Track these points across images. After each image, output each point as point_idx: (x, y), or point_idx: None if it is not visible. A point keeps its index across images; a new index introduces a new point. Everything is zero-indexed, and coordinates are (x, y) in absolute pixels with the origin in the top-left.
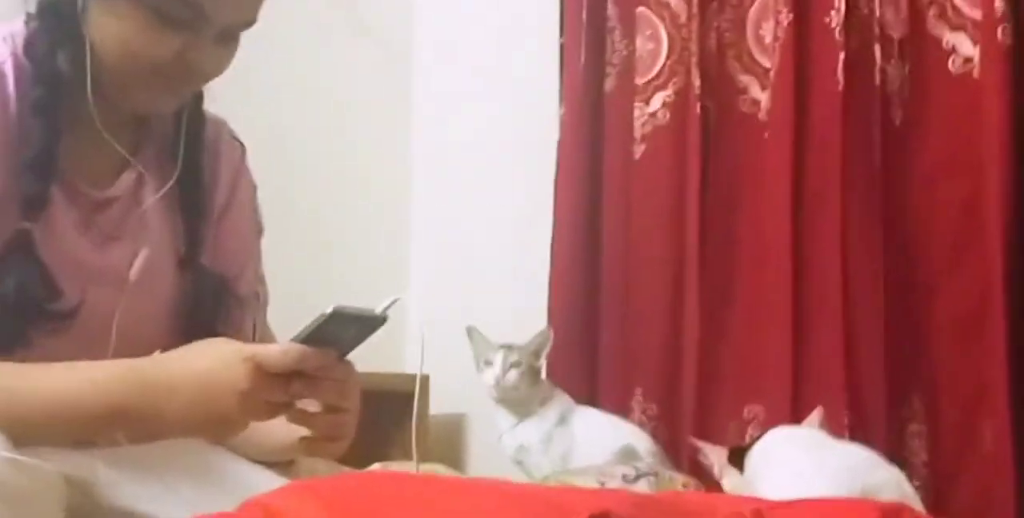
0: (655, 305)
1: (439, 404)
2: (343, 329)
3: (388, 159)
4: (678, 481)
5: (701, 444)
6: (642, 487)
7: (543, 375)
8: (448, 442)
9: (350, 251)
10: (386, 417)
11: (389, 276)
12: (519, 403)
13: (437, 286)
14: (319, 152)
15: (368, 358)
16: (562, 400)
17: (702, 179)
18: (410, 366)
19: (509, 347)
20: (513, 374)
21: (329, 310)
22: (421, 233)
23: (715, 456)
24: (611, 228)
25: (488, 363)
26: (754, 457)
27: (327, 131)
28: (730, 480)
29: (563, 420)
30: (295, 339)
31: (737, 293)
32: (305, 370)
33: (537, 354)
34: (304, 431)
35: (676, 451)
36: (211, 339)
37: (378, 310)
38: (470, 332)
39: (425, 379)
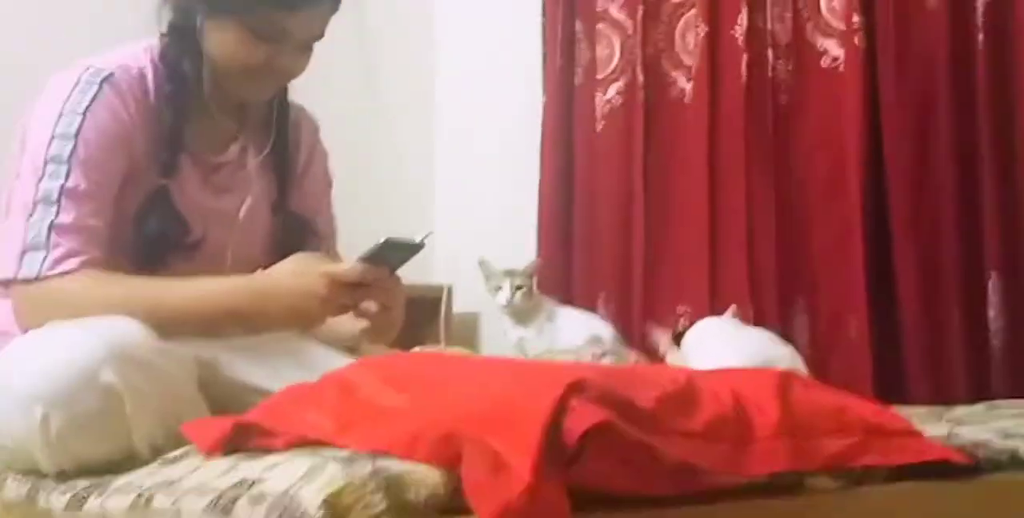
0: (613, 232)
1: (460, 305)
2: (393, 253)
3: (414, 127)
4: (632, 357)
5: (654, 329)
6: (607, 362)
7: (534, 288)
8: (467, 333)
9: (385, 197)
10: (421, 315)
11: (418, 214)
12: (522, 312)
13: (457, 220)
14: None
15: (408, 273)
16: (549, 304)
17: (645, 146)
18: (438, 277)
19: (512, 273)
20: (518, 295)
21: (383, 239)
22: (444, 182)
23: (662, 338)
24: (582, 179)
25: (498, 288)
26: (689, 339)
27: (355, 99)
28: (672, 356)
29: (550, 317)
30: (358, 259)
31: (671, 223)
32: (365, 281)
33: (532, 276)
34: (365, 324)
35: (630, 337)
36: (298, 256)
37: (418, 239)
38: (481, 263)
39: (450, 288)
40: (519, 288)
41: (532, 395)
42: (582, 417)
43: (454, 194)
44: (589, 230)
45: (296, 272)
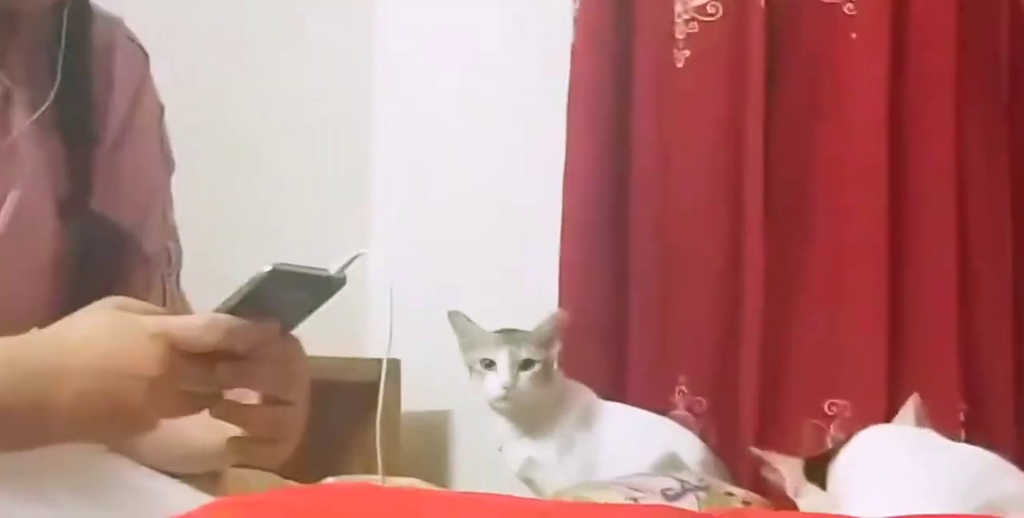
0: (702, 270)
1: (414, 399)
2: (287, 294)
3: (345, 74)
4: (737, 498)
5: (767, 456)
6: (689, 504)
7: (555, 368)
8: (426, 449)
9: (299, 202)
10: (344, 416)
11: (345, 234)
12: (531, 409)
13: (406, 245)
14: (260, 76)
15: (321, 338)
16: (581, 396)
17: (766, 97)
18: (374, 349)
19: (513, 339)
20: (526, 378)
21: (267, 268)
22: (385, 177)
23: (787, 469)
24: (642, 168)
25: (488, 364)
26: (840, 467)
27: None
28: (809, 499)
29: (584, 422)
30: (222, 308)
31: (813, 250)
32: (236, 349)
33: (549, 343)
34: (234, 431)
35: (734, 458)
36: (106, 303)
37: (333, 270)
38: (453, 318)
39: (394, 364)
40: (527, 365)
41: None
42: None
43: (401, 195)
44: (656, 263)
45: (104, 329)
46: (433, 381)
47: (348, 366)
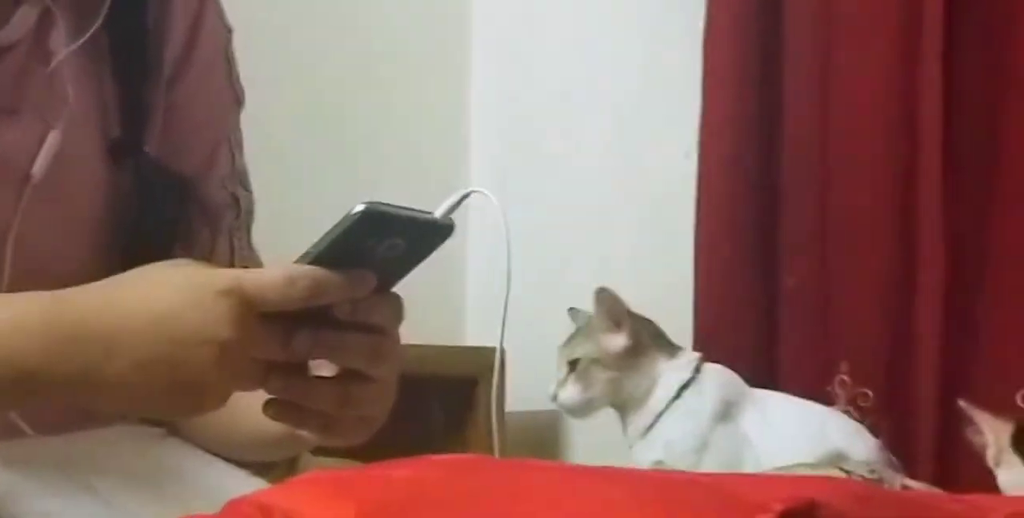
0: (869, 236)
1: (519, 397)
2: (383, 242)
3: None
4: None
5: (974, 413)
6: None
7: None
8: (534, 455)
9: (390, 147)
10: (435, 413)
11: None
12: (624, 407)
13: (527, 216)
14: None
15: (419, 323)
16: (719, 380)
17: (945, 31)
18: (470, 336)
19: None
20: (573, 381)
21: (359, 207)
22: (485, 127)
23: (993, 433)
24: (795, 118)
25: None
26: None
27: None
28: (1009, 472)
29: (726, 413)
30: (305, 258)
31: (1004, 212)
32: (322, 308)
33: (604, 330)
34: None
35: (911, 458)
36: (167, 262)
37: (438, 212)
38: (601, 297)
39: (502, 355)
40: (574, 365)
41: None
42: None
43: (506, 157)
44: (813, 225)
45: (165, 287)
46: (541, 377)
47: (439, 356)
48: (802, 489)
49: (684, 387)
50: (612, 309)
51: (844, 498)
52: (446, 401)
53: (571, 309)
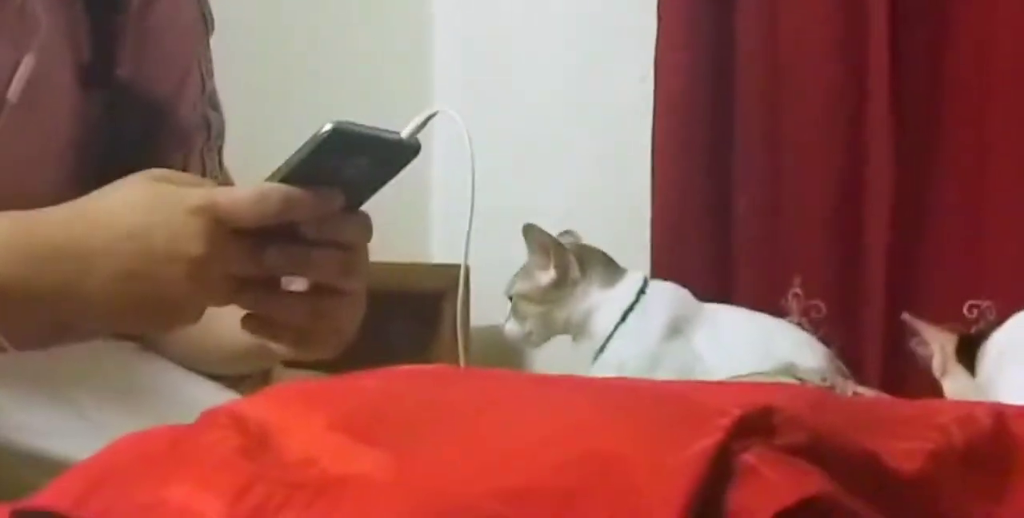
0: (819, 146)
1: (483, 312)
2: (351, 161)
3: None
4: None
5: (919, 325)
6: None
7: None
8: (505, 358)
9: (355, 67)
10: (402, 328)
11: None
12: (578, 335)
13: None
14: None
15: (386, 240)
16: (666, 298)
17: None
18: (438, 253)
19: (521, 273)
20: (510, 325)
21: (328, 126)
22: (450, 50)
23: (938, 344)
24: (749, 28)
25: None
26: (993, 347)
27: None
28: (954, 381)
29: (675, 330)
30: (275, 176)
31: (949, 124)
32: (291, 225)
33: (538, 266)
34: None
35: (861, 367)
36: (140, 176)
37: (404, 133)
38: (528, 232)
39: (466, 271)
40: (519, 312)
41: (655, 439)
42: (771, 487)
43: (470, 78)
44: (765, 141)
45: (138, 203)
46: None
47: (406, 273)
48: (759, 396)
49: (629, 310)
50: (539, 243)
51: (799, 403)
52: (413, 317)
53: (525, 226)
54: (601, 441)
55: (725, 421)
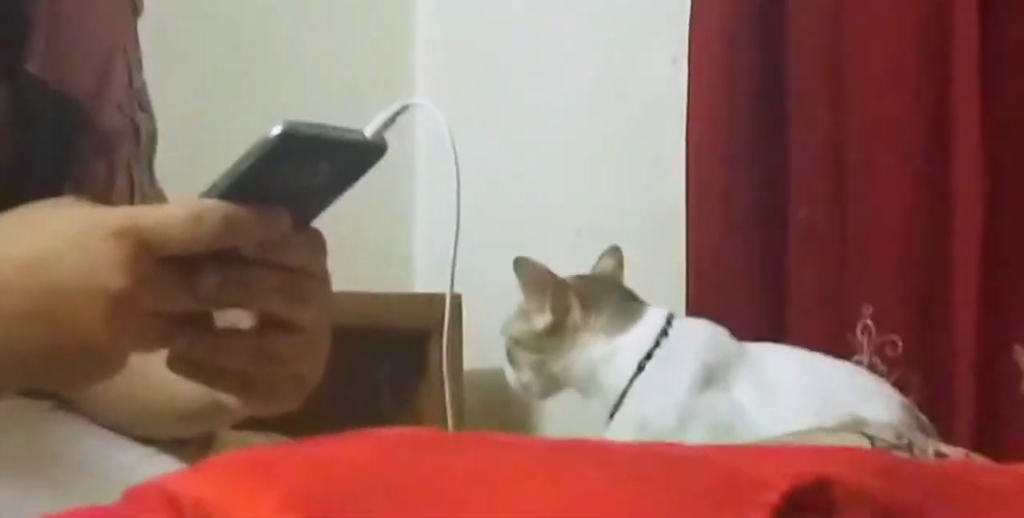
0: (897, 153)
1: (478, 353)
2: (303, 168)
3: None
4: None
5: None
6: None
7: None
8: (495, 417)
9: (326, 62)
10: (382, 370)
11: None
12: (589, 393)
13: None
14: None
15: (347, 265)
16: (696, 341)
17: None
18: (422, 282)
19: (518, 312)
20: (508, 374)
21: (276, 130)
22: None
23: None
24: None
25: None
26: None
27: None
28: None
29: (709, 379)
30: (212, 191)
31: None
32: (233, 247)
33: (535, 307)
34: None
35: (946, 420)
36: (47, 201)
37: (369, 130)
38: (519, 266)
39: (455, 301)
40: (516, 360)
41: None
42: None
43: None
44: (820, 144)
45: (49, 229)
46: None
47: (387, 305)
48: (814, 463)
49: (647, 358)
50: (533, 280)
51: (863, 472)
52: (393, 358)
53: (517, 260)
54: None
55: (772, 497)
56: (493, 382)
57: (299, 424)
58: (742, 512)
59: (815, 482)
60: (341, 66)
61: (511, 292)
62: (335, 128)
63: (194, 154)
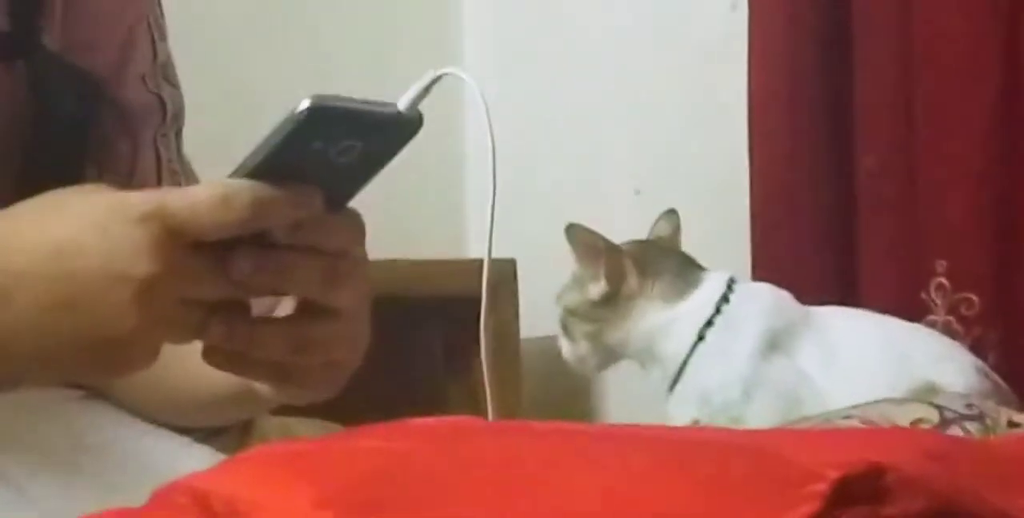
0: (970, 96)
1: (535, 321)
2: (335, 145)
3: None
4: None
5: None
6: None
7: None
8: (554, 391)
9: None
10: (431, 343)
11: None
12: (649, 363)
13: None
14: None
15: (393, 232)
16: (758, 306)
17: None
18: (475, 246)
19: (571, 281)
20: (564, 347)
21: (304, 104)
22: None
23: None
24: None
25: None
26: None
27: None
28: None
29: (773, 345)
30: (240, 171)
31: None
32: (267, 231)
33: (590, 274)
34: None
35: None
36: (71, 188)
37: (402, 103)
38: (571, 231)
39: (507, 266)
40: (570, 331)
41: (729, 512)
42: None
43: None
44: (889, 91)
45: (71, 216)
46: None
47: (436, 272)
48: (863, 448)
49: (708, 325)
50: (586, 246)
51: (918, 456)
52: (444, 330)
53: (568, 226)
54: (662, 512)
55: (821, 487)
56: (552, 350)
57: (347, 403)
58: (793, 503)
59: (867, 469)
60: (382, 35)
61: (568, 256)
62: (366, 101)
63: (231, 131)
